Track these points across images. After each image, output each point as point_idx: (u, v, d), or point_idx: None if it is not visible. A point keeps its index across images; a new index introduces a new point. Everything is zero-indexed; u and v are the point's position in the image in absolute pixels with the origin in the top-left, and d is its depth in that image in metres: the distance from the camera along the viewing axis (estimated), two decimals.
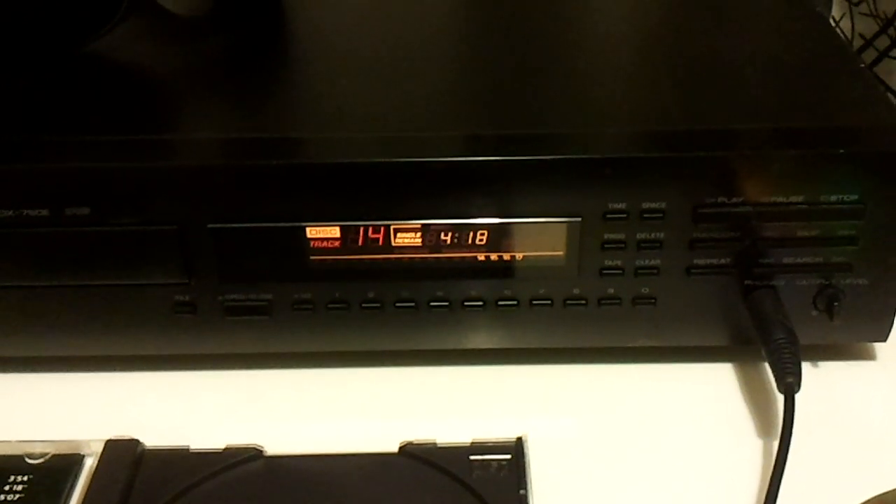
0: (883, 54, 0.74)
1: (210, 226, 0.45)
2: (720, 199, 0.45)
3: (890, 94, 0.71)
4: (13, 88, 0.51)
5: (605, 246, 0.46)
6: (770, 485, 0.42)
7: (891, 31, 0.74)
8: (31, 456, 0.46)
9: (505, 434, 0.45)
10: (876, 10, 0.75)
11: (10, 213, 0.45)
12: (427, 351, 0.50)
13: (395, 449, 0.45)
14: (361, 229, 0.46)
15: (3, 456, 0.45)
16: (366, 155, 0.45)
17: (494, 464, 0.44)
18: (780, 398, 0.45)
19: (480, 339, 0.50)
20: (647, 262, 0.47)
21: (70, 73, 0.52)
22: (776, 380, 0.46)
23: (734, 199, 0.45)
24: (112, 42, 0.54)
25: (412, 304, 0.48)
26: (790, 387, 0.45)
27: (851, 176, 0.45)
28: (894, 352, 0.51)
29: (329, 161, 0.45)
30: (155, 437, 0.46)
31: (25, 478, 0.45)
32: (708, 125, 0.47)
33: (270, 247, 0.46)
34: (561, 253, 0.46)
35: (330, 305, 0.48)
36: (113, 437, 0.45)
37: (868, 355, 0.52)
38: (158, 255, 0.46)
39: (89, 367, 0.51)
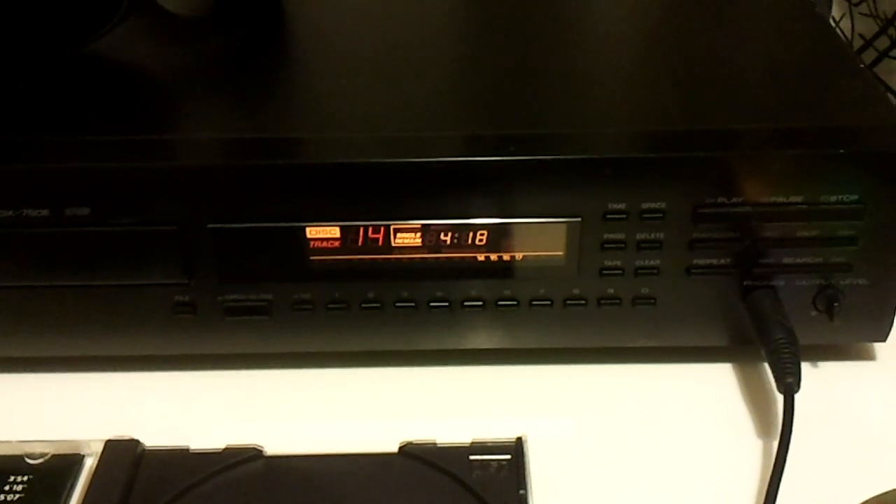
0: (883, 54, 0.74)
1: (210, 226, 0.45)
2: (720, 200, 0.45)
3: (890, 95, 0.71)
4: (13, 88, 0.51)
5: (605, 246, 0.46)
6: (770, 485, 0.42)
7: (890, 31, 0.74)
8: (30, 456, 0.46)
9: (505, 434, 0.45)
10: (876, 10, 0.75)
11: (10, 213, 0.45)
12: (427, 351, 0.50)
13: (394, 449, 0.45)
14: (361, 229, 0.46)
15: (3, 456, 0.45)
16: (366, 155, 0.45)
17: (494, 464, 0.44)
18: (780, 398, 0.45)
19: (480, 340, 0.50)
20: (646, 262, 0.47)
21: (70, 73, 0.52)
22: (776, 380, 0.46)
23: (734, 200, 0.45)
24: (112, 42, 0.54)
25: (412, 304, 0.48)
26: (790, 387, 0.45)
27: (851, 176, 0.45)
28: (894, 352, 0.51)
29: (329, 161, 0.45)
30: (155, 437, 0.46)
31: (25, 478, 0.45)
32: (708, 125, 0.47)
33: (270, 247, 0.46)
34: (561, 253, 0.46)
35: (330, 305, 0.48)
36: (113, 438, 0.46)
37: (868, 355, 0.52)
38: (158, 255, 0.46)
39: (89, 367, 0.51)
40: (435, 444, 0.45)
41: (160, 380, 0.51)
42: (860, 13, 0.77)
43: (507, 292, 0.48)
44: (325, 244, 0.46)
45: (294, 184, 0.45)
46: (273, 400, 0.50)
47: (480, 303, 0.48)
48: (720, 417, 0.48)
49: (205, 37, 0.57)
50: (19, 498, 0.44)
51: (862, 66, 0.53)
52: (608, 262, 0.47)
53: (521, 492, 0.43)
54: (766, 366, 0.47)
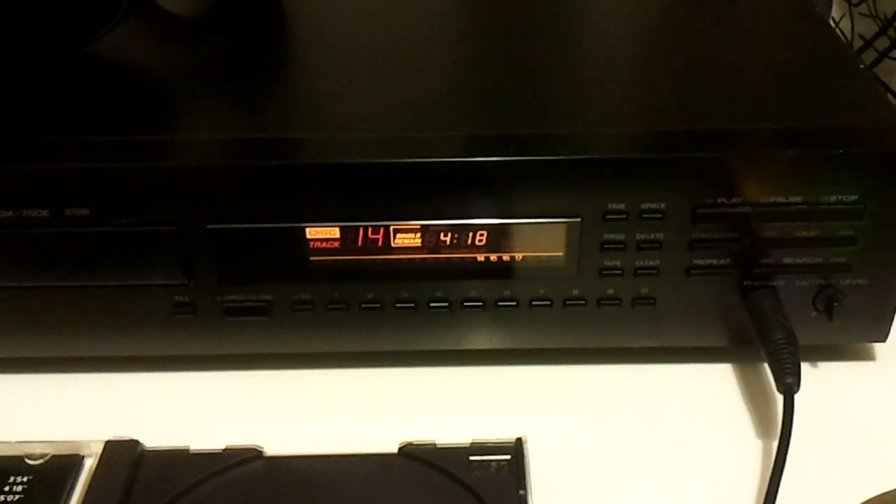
0: (882, 55, 0.74)
1: (210, 226, 0.45)
2: (719, 200, 0.45)
3: (889, 95, 0.71)
4: (13, 88, 0.51)
5: (605, 246, 0.46)
6: (769, 485, 0.42)
7: (890, 31, 0.74)
8: (30, 457, 0.46)
9: (504, 434, 0.45)
10: (876, 10, 0.75)
11: (10, 213, 0.45)
12: (427, 351, 0.50)
13: (394, 449, 0.45)
14: (361, 230, 0.46)
15: (3, 457, 0.45)
16: (365, 155, 0.45)
17: (494, 464, 0.44)
18: (780, 398, 0.45)
19: (480, 340, 0.50)
20: (646, 262, 0.47)
21: (70, 73, 0.52)
22: (775, 380, 0.46)
23: (733, 200, 0.45)
24: (112, 42, 0.54)
25: (412, 304, 0.48)
26: (789, 387, 0.45)
27: (851, 176, 0.45)
28: (894, 352, 0.51)
29: (329, 161, 0.45)
30: (155, 437, 0.46)
31: (25, 478, 0.45)
32: (707, 125, 0.47)
33: (270, 247, 0.46)
34: (560, 253, 0.46)
35: (329, 306, 0.48)
36: (113, 438, 0.46)
37: (867, 356, 0.52)
38: (158, 255, 0.46)
39: (89, 367, 0.51)
40: (435, 444, 0.45)
41: (160, 380, 0.51)
42: (860, 13, 0.77)
43: (506, 293, 0.48)
44: (324, 244, 0.46)
45: (294, 184, 0.45)
46: (273, 400, 0.50)
47: (480, 303, 0.48)
48: (720, 418, 0.48)
49: (205, 37, 0.57)
50: (19, 498, 0.44)
51: (862, 66, 0.53)
52: (608, 263, 0.47)
53: (521, 492, 0.43)
54: (766, 366, 0.47)
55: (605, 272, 0.47)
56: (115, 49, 0.54)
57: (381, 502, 0.43)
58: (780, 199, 0.45)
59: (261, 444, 0.45)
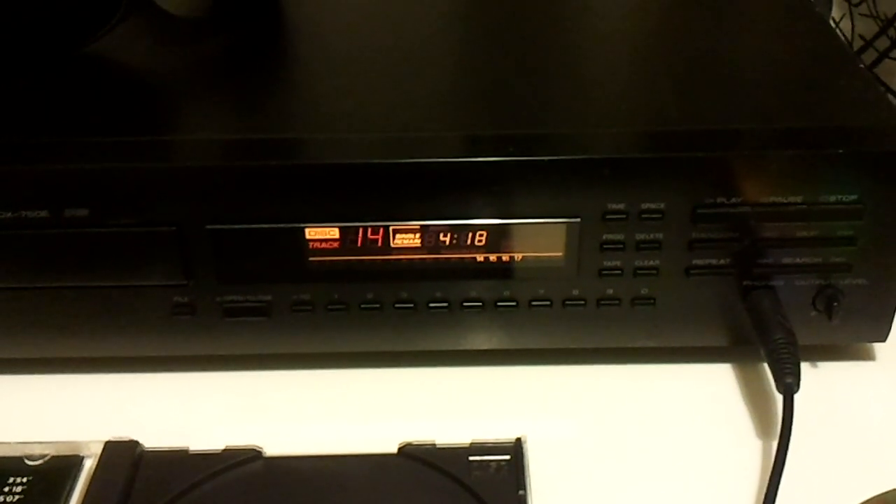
0: (883, 55, 0.74)
1: (209, 227, 0.45)
2: (719, 200, 0.45)
3: (889, 95, 0.71)
4: (12, 89, 0.51)
5: (604, 246, 0.46)
6: (769, 485, 0.42)
7: (891, 31, 0.74)
8: (30, 457, 0.46)
9: (504, 435, 0.45)
10: (876, 10, 0.75)
11: (9, 214, 0.45)
12: (426, 352, 0.50)
13: (394, 450, 0.45)
14: (360, 230, 0.46)
15: (3, 457, 0.45)
16: (365, 155, 0.45)
17: (493, 464, 0.44)
18: (779, 398, 0.45)
19: (479, 340, 0.50)
20: (646, 262, 0.47)
21: (69, 74, 0.52)
22: (775, 380, 0.46)
23: (733, 200, 0.45)
24: (111, 43, 0.54)
25: (411, 305, 0.48)
26: (789, 387, 0.45)
27: (851, 176, 0.45)
28: (894, 352, 0.51)
29: (328, 162, 0.45)
30: (154, 438, 0.46)
31: (25, 479, 0.45)
32: (707, 125, 0.47)
33: (269, 248, 0.46)
34: (560, 254, 0.46)
35: (329, 306, 0.48)
36: (112, 439, 0.45)
37: (867, 356, 0.52)
38: (157, 256, 0.46)
39: (88, 368, 0.51)
40: (434, 444, 0.45)
41: (159, 381, 0.51)
42: (860, 14, 0.77)
43: (506, 293, 0.48)
44: (324, 245, 0.46)
45: (293, 184, 0.45)
46: (272, 401, 0.50)
47: (480, 303, 0.48)
48: (719, 418, 0.48)
49: (204, 37, 0.57)
50: (19, 499, 0.44)
51: (862, 66, 0.53)
52: (607, 263, 0.47)
53: (521, 492, 0.43)
54: (766, 366, 0.47)
55: (604, 272, 0.47)
56: (114, 50, 0.54)
57: (380, 502, 0.43)
58: (780, 199, 0.45)
59: (260, 445, 0.45)
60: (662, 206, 0.45)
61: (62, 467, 0.45)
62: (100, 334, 0.49)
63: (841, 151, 0.44)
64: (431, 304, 0.48)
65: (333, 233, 0.46)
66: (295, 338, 0.49)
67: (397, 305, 0.48)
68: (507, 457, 0.44)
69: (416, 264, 0.47)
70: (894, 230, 0.46)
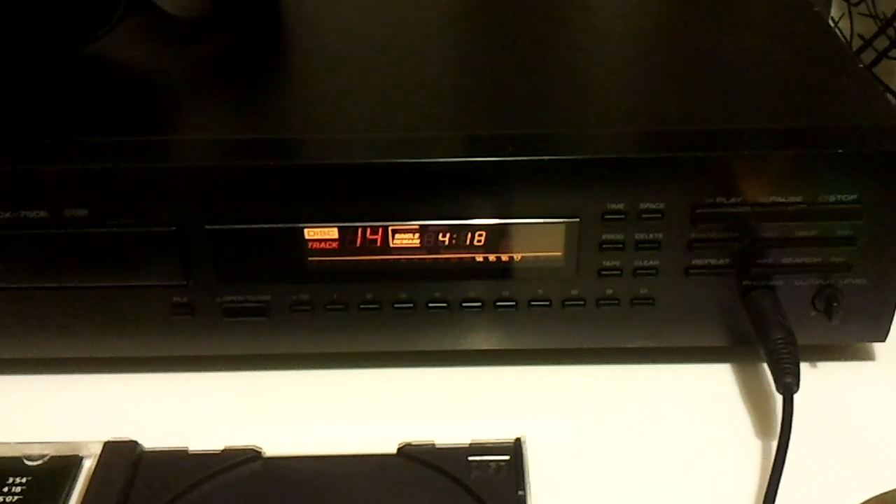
0: (882, 55, 0.74)
1: (208, 227, 0.45)
2: (718, 200, 0.45)
3: (889, 95, 0.71)
4: (11, 89, 0.51)
5: (604, 246, 0.46)
6: (769, 485, 0.42)
7: (890, 31, 0.74)
8: (29, 457, 0.46)
9: (503, 435, 0.45)
10: (875, 10, 0.75)
11: (9, 214, 0.45)
12: (425, 352, 0.50)
13: (393, 450, 0.45)
14: (360, 230, 0.46)
15: (2, 458, 0.45)
16: (364, 156, 0.45)
17: (493, 465, 0.44)
18: (779, 398, 0.45)
19: (479, 340, 0.50)
20: (645, 262, 0.47)
21: (68, 74, 0.52)
22: (775, 380, 0.46)
23: (732, 200, 0.45)
24: (110, 43, 0.54)
25: (410, 305, 0.48)
26: (789, 387, 0.45)
27: (850, 176, 0.45)
28: (893, 352, 0.51)
29: (327, 162, 0.45)
30: (153, 438, 0.46)
31: (24, 479, 0.45)
32: (706, 125, 0.47)
33: (268, 248, 0.46)
34: (559, 253, 0.46)
35: (328, 307, 0.48)
36: (111, 439, 0.45)
37: (867, 356, 0.52)
38: (156, 256, 0.46)
39: (87, 368, 0.51)
40: (434, 445, 0.45)
41: (159, 381, 0.51)
42: (859, 13, 0.77)
43: (505, 293, 0.48)
44: (323, 245, 0.46)
45: (292, 185, 0.45)
46: (271, 401, 0.50)
47: (479, 303, 0.48)
48: (719, 418, 0.48)
49: (203, 38, 0.57)
50: (18, 500, 0.44)
51: (861, 66, 0.53)
52: (607, 263, 0.47)
53: (520, 492, 0.43)
54: (765, 366, 0.47)
55: (603, 272, 0.47)
56: (113, 50, 0.54)
57: (379, 503, 0.43)
58: (780, 199, 0.45)
59: (259, 445, 0.45)
60: (662, 206, 0.45)
61: (61, 468, 0.45)
62: (99, 334, 0.49)
63: (840, 151, 0.44)
64: (431, 304, 0.48)
65: (333, 233, 0.46)
66: (294, 338, 0.49)
67: (396, 305, 0.48)
68: (507, 457, 0.44)
69: (416, 264, 0.47)
70: (894, 230, 0.46)
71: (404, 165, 0.44)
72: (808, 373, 0.50)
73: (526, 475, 0.43)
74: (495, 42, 0.57)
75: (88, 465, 0.45)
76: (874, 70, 0.74)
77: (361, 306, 0.48)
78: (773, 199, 0.45)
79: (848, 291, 0.47)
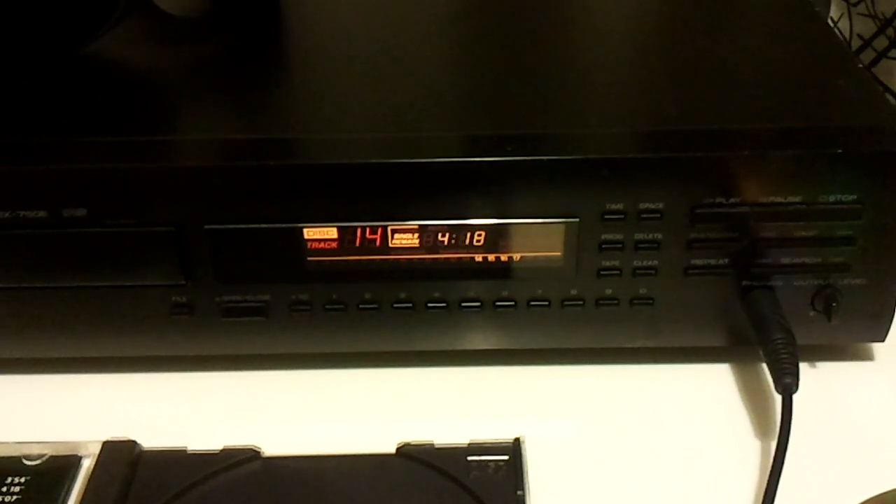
0: (881, 55, 0.74)
1: (207, 227, 0.45)
2: (718, 200, 0.45)
3: (888, 95, 0.71)
4: (10, 89, 0.51)
5: (603, 246, 0.46)
6: (768, 485, 0.42)
7: (889, 31, 0.74)
8: (28, 457, 0.46)
9: (502, 435, 0.45)
10: (874, 10, 0.75)
11: (7, 214, 0.45)
12: (424, 352, 0.50)
13: (392, 450, 0.45)
14: (359, 230, 0.46)
15: (0, 457, 0.45)
16: (363, 156, 0.45)
17: (492, 464, 0.44)
18: (778, 399, 0.45)
19: (478, 340, 0.50)
20: (644, 262, 0.47)
21: (67, 74, 0.52)
22: (774, 380, 0.46)
23: (732, 200, 0.45)
24: (109, 43, 0.54)
25: (409, 305, 0.48)
26: (788, 387, 0.45)
27: (849, 176, 0.45)
28: (892, 352, 0.51)
29: (326, 162, 0.45)
30: (152, 438, 0.46)
31: (22, 479, 0.45)
32: (705, 125, 0.46)
33: (267, 248, 0.46)
34: (558, 253, 0.46)
35: (327, 306, 0.48)
36: (110, 439, 0.45)
37: (866, 356, 0.52)
38: (156, 256, 0.46)
39: (86, 368, 0.51)
40: (432, 444, 0.45)
41: (158, 381, 0.51)
42: (858, 13, 0.77)
43: (504, 293, 0.48)
44: (322, 245, 0.46)
45: (291, 184, 0.45)
46: (270, 401, 0.50)
47: (478, 303, 0.48)
48: (718, 418, 0.48)
49: (202, 38, 0.57)
50: (17, 499, 0.44)
51: (860, 66, 0.53)
52: (606, 263, 0.47)
53: (519, 492, 0.43)
54: (765, 366, 0.47)
55: (603, 272, 0.47)
56: (112, 50, 0.54)
57: (378, 503, 0.43)
58: (779, 199, 0.45)
59: (258, 445, 0.45)
60: (661, 206, 0.45)
61: (60, 467, 0.45)
62: (98, 334, 0.49)
63: (839, 151, 0.44)
64: (430, 304, 0.48)
65: (332, 233, 0.46)
66: (293, 338, 0.49)
67: (396, 305, 0.48)
68: (506, 457, 0.44)
69: (415, 264, 0.47)
70: (893, 230, 0.46)
71: (404, 165, 0.44)
72: (808, 373, 0.50)
73: (525, 475, 0.43)
74: (495, 42, 0.57)
75: (87, 464, 0.45)
76: (873, 70, 0.74)
77: (360, 306, 0.48)
78: (772, 199, 0.45)
79: (847, 292, 0.47)
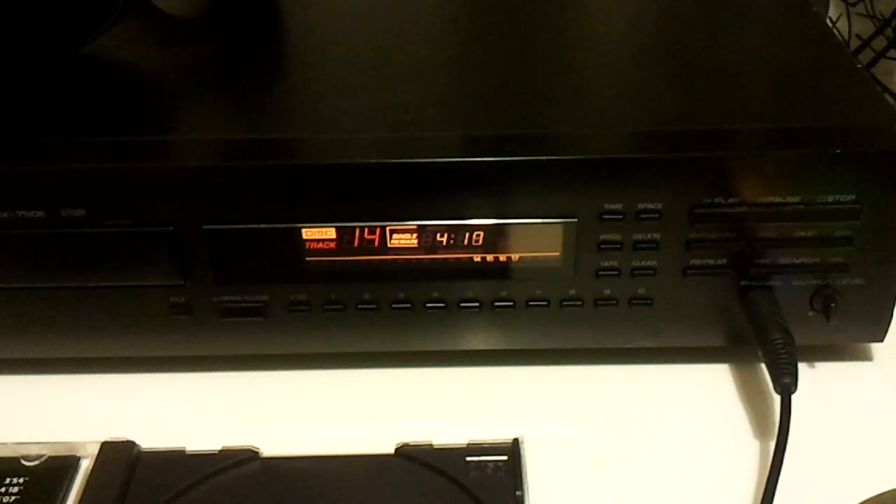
0: (880, 55, 0.74)
1: (205, 227, 0.45)
2: (716, 200, 0.45)
3: (887, 95, 0.71)
4: (8, 89, 0.51)
5: (602, 247, 0.46)
6: (767, 486, 0.42)
7: (888, 31, 0.74)
8: (26, 458, 0.46)
9: (501, 435, 0.45)
10: (873, 10, 0.75)
11: (6, 214, 0.45)
12: (423, 352, 0.50)
13: (391, 450, 0.45)
14: (357, 230, 0.46)
15: None
16: (362, 156, 0.45)
17: (491, 465, 0.44)
18: (777, 399, 0.45)
19: (477, 341, 0.50)
20: (643, 262, 0.47)
21: (65, 74, 0.52)
22: (773, 380, 0.46)
23: (730, 200, 0.45)
24: (107, 44, 0.54)
25: (408, 305, 0.48)
26: (787, 387, 0.45)
27: (848, 176, 0.45)
28: (891, 352, 0.51)
29: (325, 162, 0.45)
30: (151, 438, 0.46)
31: (21, 480, 0.45)
32: (704, 125, 0.46)
33: (266, 248, 0.46)
34: (557, 254, 0.46)
35: (326, 307, 0.48)
36: (109, 439, 0.45)
37: (865, 356, 0.52)
38: (154, 256, 0.46)
39: (85, 368, 0.51)
40: (431, 445, 0.45)
41: (156, 381, 0.51)
42: (857, 13, 0.77)
43: (503, 293, 0.48)
44: (321, 245, 0.46)
45: (290, 185, 0.45)
46: (269, 401, 0.50)
47: (477, 304, 0.48)
48: (717, 418, 0.48)
49: (201, 38, 0.57)
50: (15, 500, 0.44)
51: (859, 66, 0.53)
52: (604, 263, 0.47)
53: (518, 493, 0.43)
54: (763, 366, 0.47)
55: (601, 272, 0.47)
56: (110, 50, 0.54)
57: (377, 503, 0.43)
58: (777, 199, 0.45)
59: (257, 445, 0.45)
60: (660, 206, 0.45)
61: (59, 468, 0.45)
62: (96, 334, 0.49)
63: (838, 151, 0.44)
64: (428, 305, 0.48)
65: (330, 233, 0.46)
66: (292, 338, 0.49)
67: (394, 306, 0.48)
68: (505, 457, 0.44)
69: (413, 264, 0.47)
70: (892, 230, 0.46)
71: (402, 165, 0.44)
72: (806, 373, 0.50)
73: (524, 475, 0.43)
74: (494, 42, 0.57)
75: (86, 465, 0.45)
76: (872, 70, 0.74)
77: (359, 306, 0.48)
78: (770, 199, 0.45)
79: (846, 292, 0.47)
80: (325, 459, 0.45)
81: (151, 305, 0.48)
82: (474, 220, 0.46)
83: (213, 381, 0.51)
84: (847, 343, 0.52)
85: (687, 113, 0.48)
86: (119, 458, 0.44)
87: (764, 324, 0.46)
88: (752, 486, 0.44)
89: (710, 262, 0.47)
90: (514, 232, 0.46)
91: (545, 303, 0.48)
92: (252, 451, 0.45)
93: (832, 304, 0.47)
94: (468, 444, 0.45)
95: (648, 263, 0.47)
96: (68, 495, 0.44)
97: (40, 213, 0.45)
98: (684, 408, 0.49)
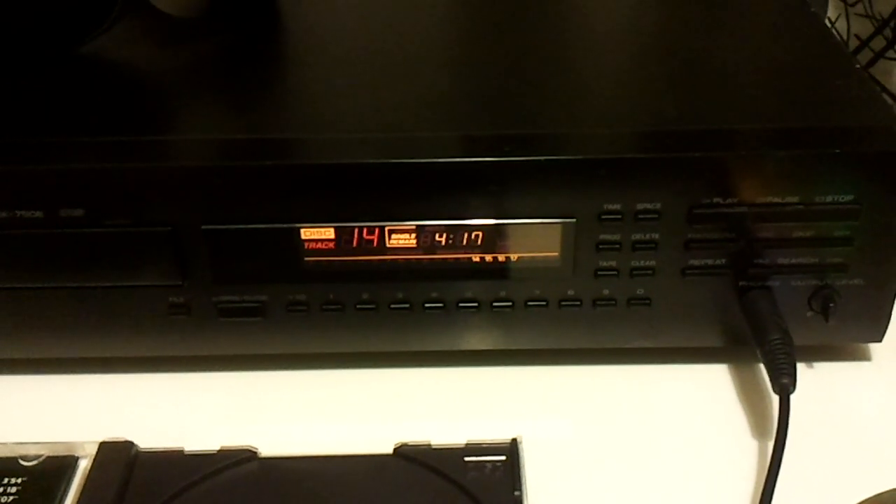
0: (878, 55, 0.74)
1: (204, 227, 0.45)
2: (715, 200, 0.45)
3: (885, 95, 0.71)
4: (6, 89, 0.51)
5: (600, 247, 0.46)
6: (765, 486, 0.42)
7: (886, 31, 0.74)
8: (24, 458, 0.46)
9: (499, 435, 0.45)
10: (871, 10, 0.75)
11: (5, 214, 0.45)
12: (422, 352, 0.50)
13: (389, 450, 0.45)
14: (356, 230, 0.46)
15: None
16: (361, 156, 0.45)
17: (489, 465, 0.44)
18: (776, 399, 0.45)
19: (475, 341, 0.49)
20: (642, 262, 0.47)
21: (64, 74, 0.52)
22: (771, 381, 0.46)
23: (729, 200, 0.45)
24: (106, 43, 0.54)
25: (407, 305, 0.48)
26: (785, 387, 0.45)
27: (847, 176, 0.45)
28: (890, 352, 0.51)
29: (324, 162, 0.44)
30: (149, 438, 0.46)
31: (19, 480, 0.45)
32: (703, 125, 0.46)
33: (265, 248, 0.46)
34: (556, 254, 0.46)
35: (324, 307, 0.48)
36: (107, 439, 0.45)
37: (863, 356, 0.52)
38: (152, 256, 0.46)
39: (83, 368, 0.51)
40: (430, 445, 0.45)
41: (154, 381, 0.51)
42: (856, 14, 0.77)
43: (502, 293, 0.48)
44: (319, 245, 0.46)
45: (288, 185, 0.45)
46: (267, 401, 0.50)
47: (475, 304, 0.48)
48: (716, 418, 0.48)
49: (199, 38, 0.57)
50: (13, 500, 0.44)
51: (857, 66, 0.53)
52: (603, 263, 0.47)
53: (516, 493, 0.43)
54: (762, 366, 0.47)
55: (600, 272, 0.47)
56: (109, 50, 0.54)
57: (376, 503, 0.43)
58: (776, 200, 0.45)
59: (255, 445, 0.45)
60: (658, 206, 0.45)
61: (57, 468, 0.45)
62: (95, 334, 0.49)
63: (837, 152, 0.44)
64: (427, 305, 0.48)
65: (329, 233, 0.46)
66: (290, 338, 0.49)
67: (393, 306, 0.48)
68: (503, 457, 0.44)
69: (412, 264, 0.47)
70: (891, 230, 0.46)
71: (401, 165, 0.44)
72: (805, 373, 0.50)
73: (522, 475, 0.43)
74: (493, 42, 0.57)
75: (84, 465, 0.45)
76: (871, 70, 0.74)
77: (358, 306, 0.48)
78: (769, 199, 0.45)
79: (844, 292, 0.47)
80: (323, 459, 0.45)
81: (150, 305, 0.48)
82: (473, 221, 0.46)
83: (211, 381, 0.51)
84: (846, 343, 0.52)
85: (686, 113, 0.48)
86: (117, 458, 0.44)
87: (763, 324, 0.46)
88: (751, 486, 0.44)
89: (709, 262, 0.47)
90: (513, 232, 0.46)
91: (544, 303, 0.48)
92: (250, 451, 0.45)
93: (831, 305, 0.47)
94: (467, 445, 0.45)
95: (647, 263, 0.47)
96: (66, 495, 0.44)
97: (39, 213, 0.45)
98: (683, 408, 0.49)
